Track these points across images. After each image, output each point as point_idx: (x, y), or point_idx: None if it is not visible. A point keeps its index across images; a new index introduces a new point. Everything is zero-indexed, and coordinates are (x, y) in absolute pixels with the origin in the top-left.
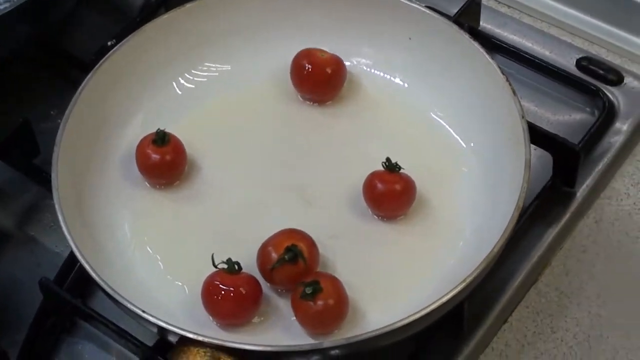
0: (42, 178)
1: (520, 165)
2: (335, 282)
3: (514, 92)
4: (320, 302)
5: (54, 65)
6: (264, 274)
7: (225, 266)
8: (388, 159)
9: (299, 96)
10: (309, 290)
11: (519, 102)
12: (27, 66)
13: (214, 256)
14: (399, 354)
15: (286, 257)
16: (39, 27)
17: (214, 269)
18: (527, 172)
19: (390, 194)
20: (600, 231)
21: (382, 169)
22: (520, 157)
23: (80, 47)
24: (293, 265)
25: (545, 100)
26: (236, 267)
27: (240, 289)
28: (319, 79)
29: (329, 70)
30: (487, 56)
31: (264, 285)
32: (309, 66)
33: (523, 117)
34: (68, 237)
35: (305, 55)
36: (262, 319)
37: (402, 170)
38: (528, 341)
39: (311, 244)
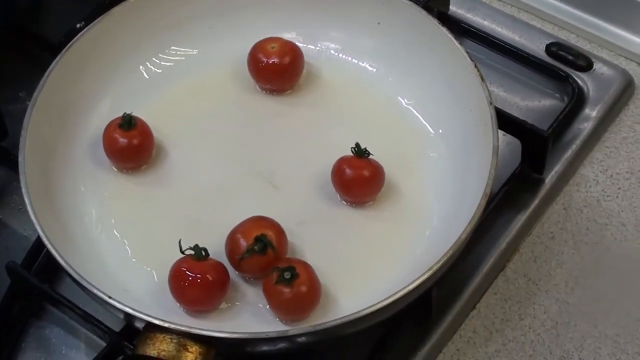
0: (9, 161)
1: (488, 152)
2: (307, 268)
3: (482, 78)
4: (294, 289)
5: (22, 47)
6: (233, 262)
7: (193, 252)
8: (357, 144)
9: (258, 87)
10: (287, 275)
11: (487, 88)
12: None
13: (182, 241)
14: (367, 340)
15: (256, 247)
16: (9, 10)
17: (182, 254)
18: (495, 159)
19: (359, 179)
20: (569, 218)
21: (350, 154)
22: (488, 143)
23: (49, 28)
24: (262, 255)
25: (514, 85)
26: (203, 253)
27: (207, 275)
28: (275, 71)
29: (283, 61)
30: (455, 42)
31: (232, 271)
32: (264, 59)
33: (491, 103)
34: (35, 221)
35: (260, 48)
36: (229, 305)
37: (370, 156)
38: (496, 328)
39: (279, 231)
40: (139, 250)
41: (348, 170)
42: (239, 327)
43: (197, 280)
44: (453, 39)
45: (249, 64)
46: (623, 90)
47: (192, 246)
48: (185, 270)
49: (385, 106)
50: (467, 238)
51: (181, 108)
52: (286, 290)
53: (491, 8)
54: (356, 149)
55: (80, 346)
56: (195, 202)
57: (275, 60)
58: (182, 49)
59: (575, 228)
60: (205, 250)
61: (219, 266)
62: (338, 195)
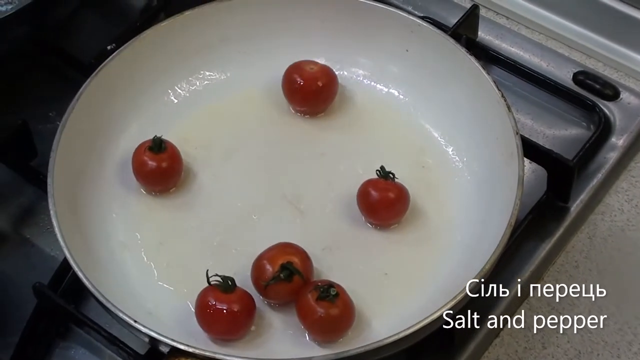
0: (39, 180)
1: (513, 182)
2: (341, 290)
3: (508, 108)
4: (334, 308)
5: (53, 66)
6: (259, 289)
7: (219, 282)
8: (382, 167)
9: (291, 108)
10: (334, 292)
11: (514, 118)
12: (26, 66)
13: (207, 264)
14: None
15: (282, 275)
16: (41, 29)
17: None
18: (520, 190)
19: (384, 201)
20: (593, 247)
21: (376, 178)
22: (514, 173)
23: (80, 48)
24: (288, 282)
25: (541, 113)
26: (229, 283)
27: (234, 307)
28: (310, 92)
29: (319, 84)
30: (482, 71)
31: (257, 296)
32: (300, 80)
33: (517, 133)
34: (62, 243)
35: (296, 69)
36: (254, 329)
37: (396, 180)
38: (519, 356)
39: (305, 257)
40: (166, 274)
41: (373, 192)
42: (263, 353)
43: (224, 311)
44: (480, 67)
45: (283, 84)
46: None
47: (219, 275)
48: (211, 301)
49: (411, 132)
50: (491, 268)
51: (210, 132)
52: (326, 309)
53: (519, 35)
54: (381, 171)
55: None
56: (223, 225)
57: (312, 81)
58: (212, 73)
59: (599, 257)
60: (232, 280)
61: (246, 296)
62: (363, 217)
